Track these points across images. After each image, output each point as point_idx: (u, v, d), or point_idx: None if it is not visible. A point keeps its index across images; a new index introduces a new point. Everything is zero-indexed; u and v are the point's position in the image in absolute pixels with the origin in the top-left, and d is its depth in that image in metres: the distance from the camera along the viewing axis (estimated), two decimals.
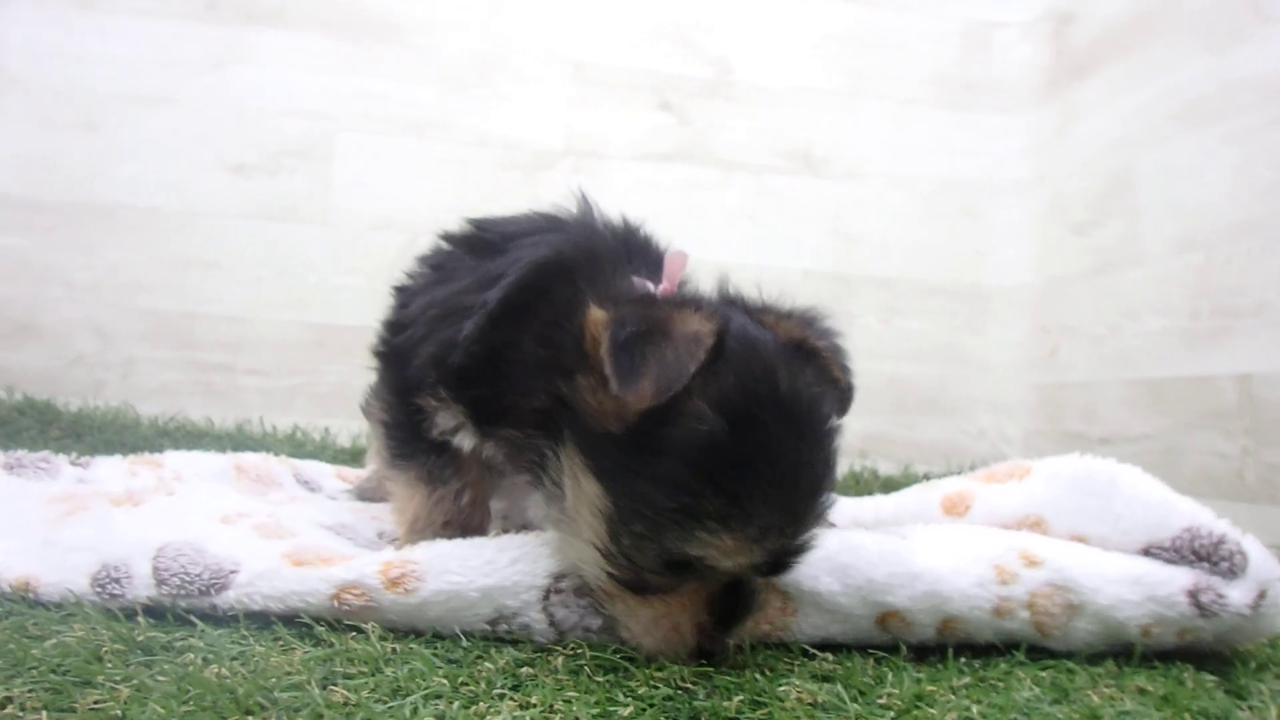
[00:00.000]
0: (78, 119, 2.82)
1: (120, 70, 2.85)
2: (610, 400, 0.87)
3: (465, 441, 1.14)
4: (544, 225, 1.20)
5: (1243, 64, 2.24)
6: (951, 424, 3.12)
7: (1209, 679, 0.96)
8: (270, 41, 2.92)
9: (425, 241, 1.33)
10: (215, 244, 2.86)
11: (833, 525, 1.38)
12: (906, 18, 3.18)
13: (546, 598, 0.97)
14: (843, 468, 2.91)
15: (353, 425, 2.75)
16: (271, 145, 2.90)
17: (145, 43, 2.87)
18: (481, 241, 1.22)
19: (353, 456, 2.38)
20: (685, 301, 0.96)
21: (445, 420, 1.14)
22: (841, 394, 1.04)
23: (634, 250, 1.15)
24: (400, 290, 1.32)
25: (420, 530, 1.17)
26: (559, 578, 0.99)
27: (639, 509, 0.88)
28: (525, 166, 2.97)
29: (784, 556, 0.92)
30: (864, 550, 1.03)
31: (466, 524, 1.18)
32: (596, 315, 0.90)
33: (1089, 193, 2.82)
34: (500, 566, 0.98)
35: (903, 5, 3.19)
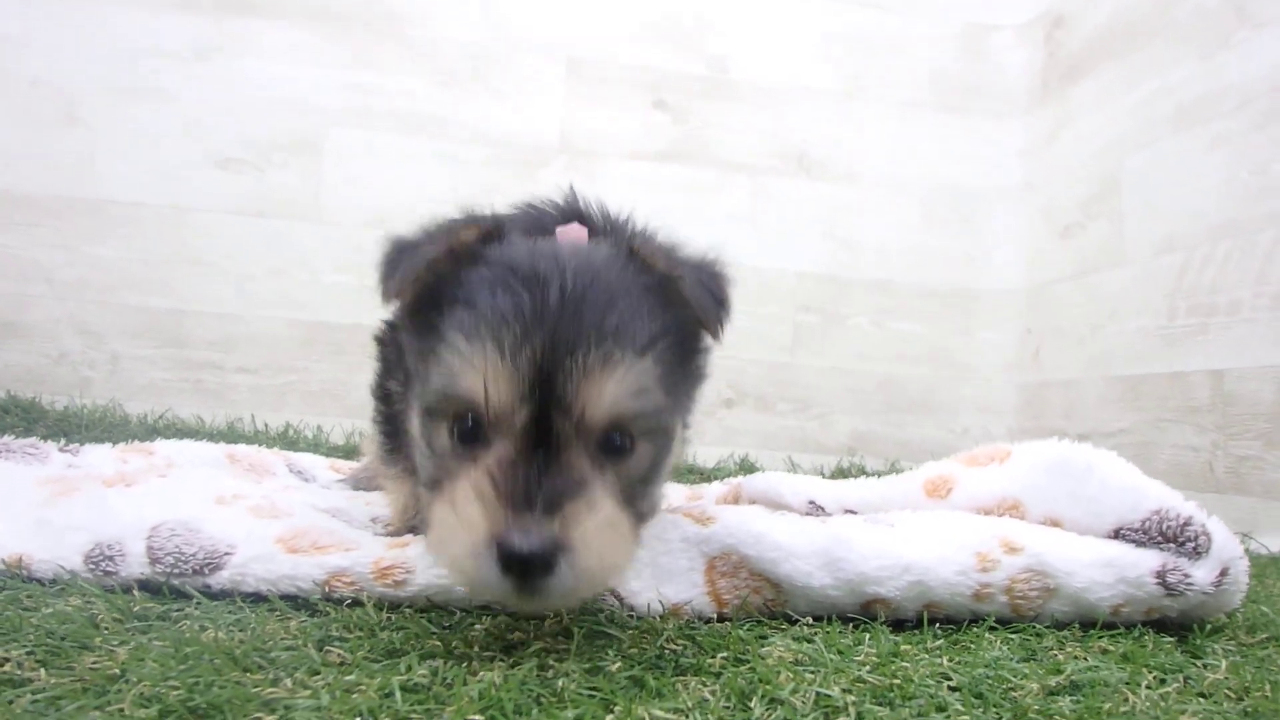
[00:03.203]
0: (60, 112, 2.82)
1: (104, 62, 2.85)
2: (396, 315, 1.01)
3: None
4: (519, 212, 1.24)
5: (1229, 68, 2.29)
6: (938, 423, 3.16)
7: (1167, 640, 1.00)
8: (260, 32, 2.92)
9: None
10: (204, 240, 2.86)
11: (820, 510, 1.41)
12: (904, 20, 3.22)
13: None
14: (831, 463, 2.97)
15: (345, 423, 2.76)
16: (261, 139, 2.91)
17: (130, 33, 2.86)
18: None
19: (346, 454, 2.39)
20: (456, 220, 1.01)
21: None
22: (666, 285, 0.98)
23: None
24: None
25: (409, 519, 1.19)
26: None
27: (418, 373, 0.95)
28: (519, 163, 2.99)
29: (556, 391, 0.83)
30: (856, 544, 1.05)
31: None
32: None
33: (1077, 196, 2.87)
34: None
35: (901, 7, 3.23)
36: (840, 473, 2.89)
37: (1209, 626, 1.06)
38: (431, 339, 0.91)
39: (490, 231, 0.96)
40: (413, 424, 0.98)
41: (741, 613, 1.01)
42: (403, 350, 1.12)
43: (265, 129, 2.91)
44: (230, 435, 2.53)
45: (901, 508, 1.28)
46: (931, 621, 1.01)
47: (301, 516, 1.17)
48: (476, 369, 0.84)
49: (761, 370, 3.07)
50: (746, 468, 2.84)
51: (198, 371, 2.84)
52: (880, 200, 3.17)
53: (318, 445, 2.57)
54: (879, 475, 1.42)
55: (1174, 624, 1.07)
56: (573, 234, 1.08)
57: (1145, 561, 1.07)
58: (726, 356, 3.02)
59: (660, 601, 0.99)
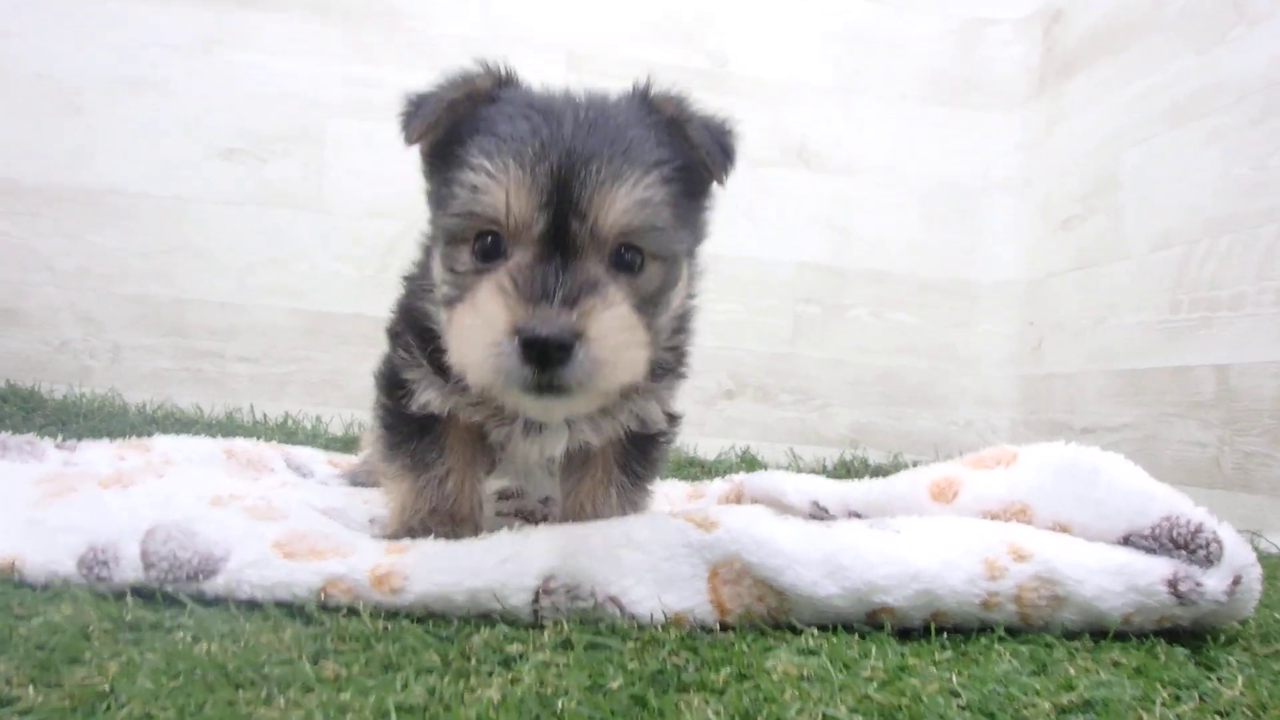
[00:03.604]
0: (61, 103, 2.80)
1: (105, 53, 2.83)
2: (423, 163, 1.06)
3: (441, 404, 1.16)
4: None
5: (1224, 64, 2.28)
6: (940, 415, 3.14)
7: (1180, 652, 0.98)
8: (261, 24, 2.90)
9: (419, 230, 1.34)
10: (205, 230, 2.85)
11: (824, 511, 1.39)
12: (902, 15, 3.19)
13: (536, 600, 0.96)
14: (833, 456, 2.95)
15: (345, 413, 2.75)
16: (262, 130, 2.89)
17: (131, 25, 2.85)
18: None
19: (345, 445, 2.38)
20: (466, 70, 1.07)
21: (418, 380, 1.16)
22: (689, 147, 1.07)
23: None
24: (406, 279, 1.35)
25: (408, 519, 1.17)
26: (549, 578, 0.98)
27: (440, 203, 1.01)
28: None
29: (572, 203, 0.91)
30: (862, 550, 1.03)
31: (455, 512, 1.18)
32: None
33: (1075, 190, 2.85)
34: (488, 568, 0.98)
35: (898, 2, 3.20)
36: (842, 465, 2.88)
37: (1223, 638, 1.04)
38: (453, 169, 0.98)
39: (505, 78, 1.05)
40: (434, 262, 1.05)
41: (745, 621, 0.99)
42: (418, 338, 1.14)
43: (266, 121, 2.89)
44: (229, 425, 2.51)
45: (907, 511, 1.26)
46: (939, 631, 0.99)
47: (299, 518, 1.15)
48: (499, 183, 0.92)
49: (761, 361, 3.05)
50: (748, 460, 2.83)
51: (198, 361, 2.82)
52: (879, 193, 3.14)
53: (316, 436, 2.56)
54: (881, 468, 1.42)
55: (1186, 632, 1.05)
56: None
57: (1156, 569, 1.05)
58: (726, 347, 3.02)
59: (663, 610, 0.97)
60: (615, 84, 3.32)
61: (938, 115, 3.20)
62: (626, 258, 0.96)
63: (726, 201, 3.42)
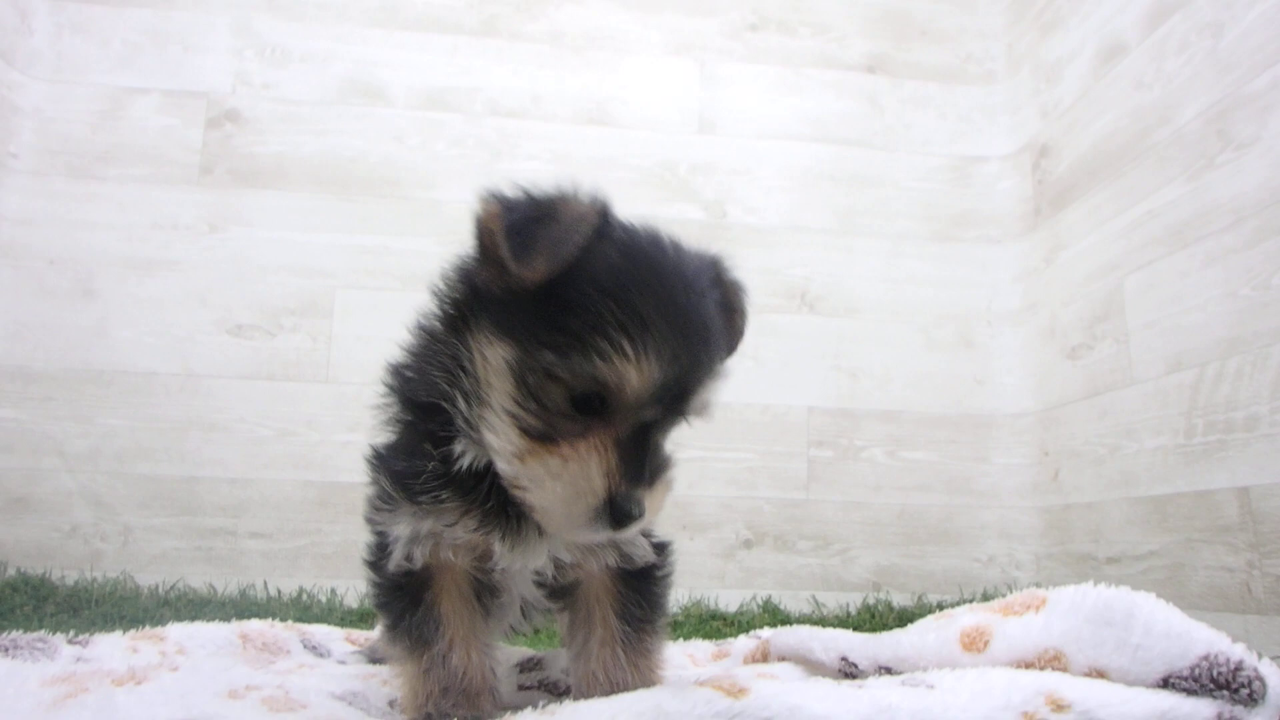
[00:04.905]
0: (74, 286, 2.89)
1: (117, 236, 2.93)
2: (511, 279, 0.99)
3: (412, 535, 1.16)
4: None
5: (1217, 188, 2.34)
6: (961, 552, 3.09)
7: None
8: (267, 202, 3.02)
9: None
10: (215, 405, 2.88)
11: (854, 667, 1.36)
12: (893, 156, 3.32)
13: None
14: (856, 601, 2.89)
15: (360, 585, 2.71)
16: (271, 304, 2.96)
17: (141, 208, 2.96)
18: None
19: (361, 617, 2.34)
20: (567, 191, 1.09)
21: (385, 519, 1.19)
22: (734, 320, 1.19)
23: None
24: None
25: (420, 705, 1.14)
26: None
27: (545, 340, 0.97)
28: None
29: (679, 384, 0.99)
30: (899, 712, 1.00)
31: (467, 688, 1.15)
32: (489, 207, 1.02)
33: (1080, 317, 2.89)
34: None
35: (888, 145, 3.33)
36: (866, 610, 2.82)
37: None
38: (568, 314, 0.97)
39: (605, 210, 1.07)
40: (502, 377, 1.02)
41: None
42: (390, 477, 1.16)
43: (275, 294, 2.97)
44: (242, 603, 2.48)
45: (939, 663, 1.23)
46: None
47: (318, 707, 1.13)
48: (629, 361, 0.95)
49: (778, 509, 3.03)
50: (769, 609, 2.77)
51: (209, 539, 2.81)
52: (884, 331, 3.19)
53: (332, 610, 2.52)
54: (906, 612, 1.39)
55: None
56: None
57: (1200, 712, 1.02)
58: (742, 496, 3.00)
59: None
60: None
61: (936, 251, 3.28)
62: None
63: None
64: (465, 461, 1.09)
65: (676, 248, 1.09)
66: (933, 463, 3.13)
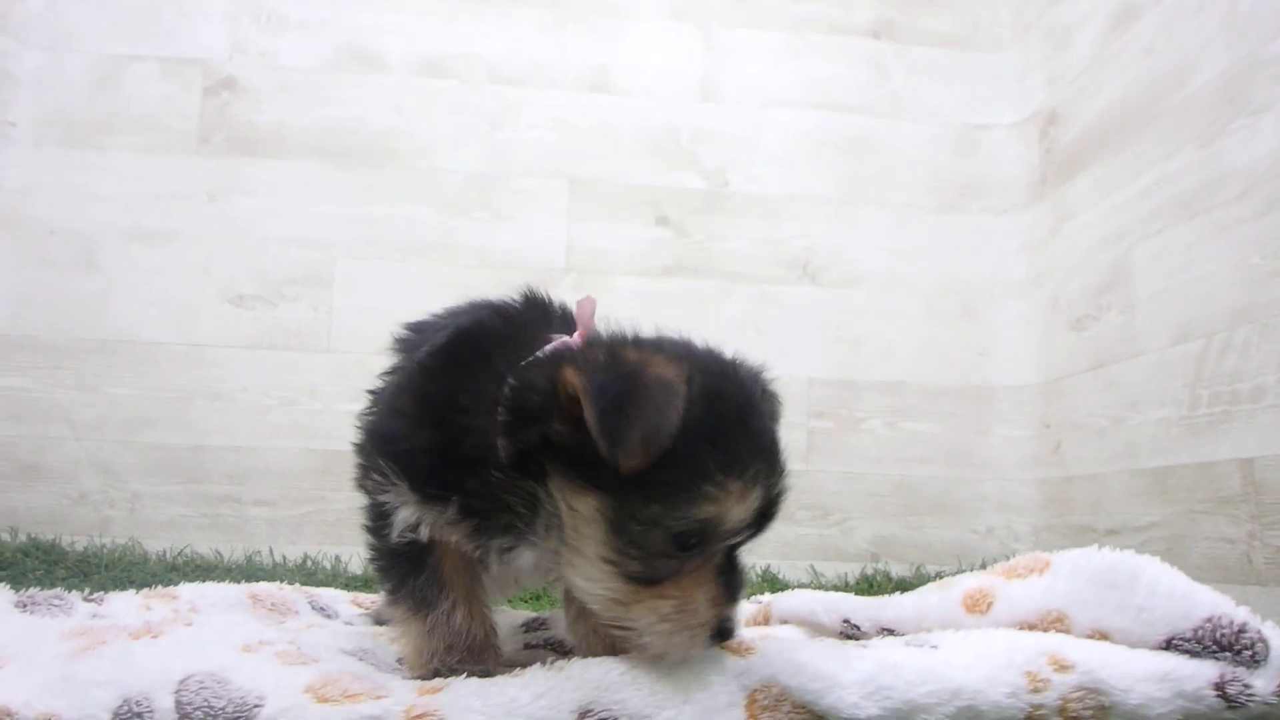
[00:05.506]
0: (76, 256, 2.89)
1: (117, 206, 2.92)
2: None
3: (423, 530, 1.16)
4: (467, 306, 1.29)
5: (1226, 155, 2.31)
6: (960, 523, 3.11)
7: None
8: (267, 171, 3.00)
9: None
10: (218, 375, 2.89)
11: (857, 630, 1.37)
12: (897, 124, 3.29)
13: None
14: (854, 571, 2.91)
15: (364, 551, 2.72)
16: (272, 274, 2.96)
17: (142, 178, 2.95)
18: (412, 339, 1.35)
19: (365, 583, 2.36)
20: (645, 346, 1.07)
21: (397, 504, 1.17)
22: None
23: (551, 313, 1.25)
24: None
25: (425, 662, 1.16)
26: (586, 712, 0.97)
27: (646, 493, 0.98)
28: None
29: (770, 506, 1.05)
30: (903, 669, 1.02)
31: (471, 645, 1.18)
32: (571, 376, 0.98)
33: (1086, 288, 2.88)
34: (524, 704, 0.97)
35: (893, 113, 3.30)
36: (864, 580, 2.83)
37: None
38: (671, 467, 0.98)
39: (691, 372, 1.02)
40: (594, 525, 1.02)
41: None
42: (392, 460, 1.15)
43: (276, 264, 2.97)
44: (249, 569, 2.50)
45: (942, 625, 1.25)
46: None
47: (329, 661, 1.15)
48: (733, 498, 1.00)
49: None
50: (768, 579, 2.79)
51: (215, 506, 2.83)
52: (886, 302, 3.19)
53: (336, 576, 2.54)
54: (904, 582, 1.40)
55: None
56: (588, 309, 1.17)
57: (1203, 673, 1.04)
58: None
59: None
60: (616, 208, 3.40)
61: (940, 222, 3.26)
62: None
63: (734, 318, 3.46)
64: None
65: (738, 372, 1.12)
66: (933, 434, 3.14)
